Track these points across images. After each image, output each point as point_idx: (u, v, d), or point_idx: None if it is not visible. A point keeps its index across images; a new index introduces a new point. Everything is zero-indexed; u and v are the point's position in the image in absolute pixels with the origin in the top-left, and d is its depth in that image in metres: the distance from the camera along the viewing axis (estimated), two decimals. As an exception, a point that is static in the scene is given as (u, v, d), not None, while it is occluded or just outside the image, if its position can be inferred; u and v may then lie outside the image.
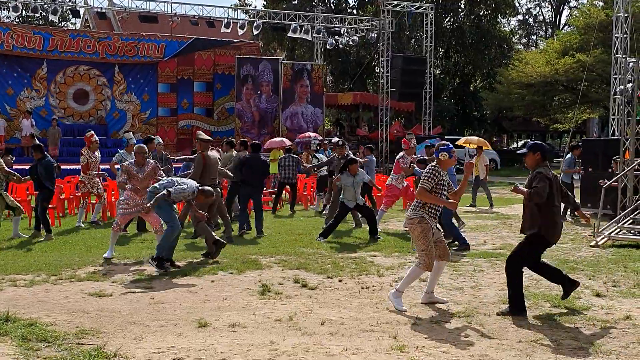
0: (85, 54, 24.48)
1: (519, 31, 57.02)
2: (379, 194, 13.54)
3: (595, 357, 5.05)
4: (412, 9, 28.00)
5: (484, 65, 39.05)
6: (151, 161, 9.34)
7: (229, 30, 25.14)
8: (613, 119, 16.75)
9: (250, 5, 43.70)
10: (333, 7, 38.42)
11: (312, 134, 24.47)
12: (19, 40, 23.42)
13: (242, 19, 26.49)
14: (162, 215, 8.44)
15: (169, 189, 8.16)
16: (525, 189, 6.20)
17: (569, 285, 6.48)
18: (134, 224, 11.56)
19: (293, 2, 36.78)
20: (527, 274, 6.55)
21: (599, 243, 10.48)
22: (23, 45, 23.49)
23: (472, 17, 39.61)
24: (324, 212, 14.16)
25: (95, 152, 12.60)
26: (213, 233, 9.08)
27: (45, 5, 24.14)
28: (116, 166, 12.04)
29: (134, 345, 5.15)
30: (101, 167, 12.86)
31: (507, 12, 41.71)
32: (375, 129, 29.22)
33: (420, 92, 28.22)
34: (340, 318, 6.02)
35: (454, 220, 10.75)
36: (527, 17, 58.39)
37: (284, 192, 16.03)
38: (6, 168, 11.09)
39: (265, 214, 12.03)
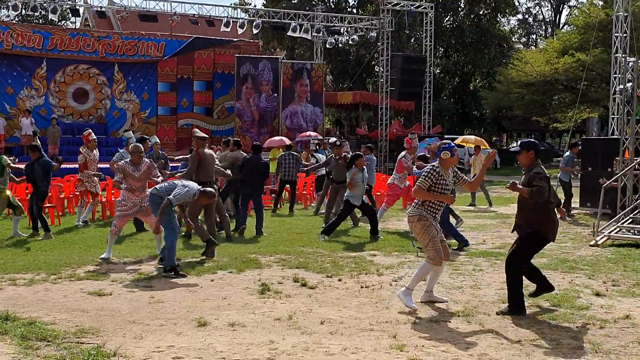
0: (85, 53, 24.46)
1: (519, 30, 57.05)
2: (378, 193, 13.54)
3: (595, 356, 5.05)
4: (412, 8, 27.98)
5: (484, 65, 39.05)
6: (147, 160, 9.38)
7: (228, 30, 25.11)
8: (613, 119, 16.77)
9: (250, 4, 43.69)
10: (333, 6, 38.42)
11: (312, 133, 24.51)
12: (19, 39, 23.39)
13: (242, 18, 26.48)
14: (162, 219, 8.41)
15: (170, 198, 8.06)
16: (526, 188, 6.19)
17: (545, 288, 6.53)
18: (131, 223, 11.53)
19: (293, 1, 36.79)
20: (527, 274, 6.55)
21: (599, 242, 10.47)
22: (23, 44, 23.47)
23: (472, 16, 39.62)
24: (321, 211, 14.15)
25: (94, 151, 12.61)
26: (206, 231, 9.18)
27: (44, 4, 24.14)
28: (116, 165, 12.04)
29: (133, 344, 5.15)
30: (100, 165, 12.86)
31: (507, 11, 41.72)
32: (375, 128, 29.21)
33: (420, 92, 28.21)
34: (340, 317, 6.02)
35: (451, 219, 10.78)
36: (526, 16, 58.53)
37: (284, 191, 16.03)
38: (12, 164, 11.20)
39: (265, 213, 12.03)
